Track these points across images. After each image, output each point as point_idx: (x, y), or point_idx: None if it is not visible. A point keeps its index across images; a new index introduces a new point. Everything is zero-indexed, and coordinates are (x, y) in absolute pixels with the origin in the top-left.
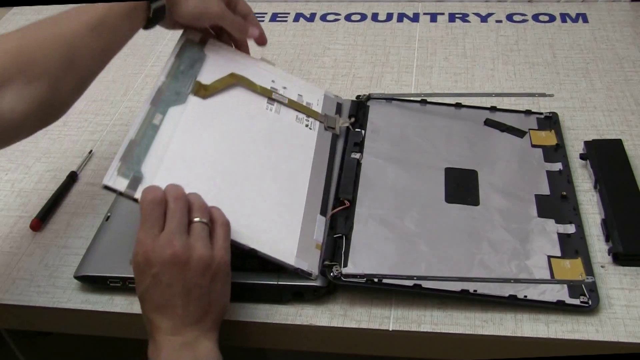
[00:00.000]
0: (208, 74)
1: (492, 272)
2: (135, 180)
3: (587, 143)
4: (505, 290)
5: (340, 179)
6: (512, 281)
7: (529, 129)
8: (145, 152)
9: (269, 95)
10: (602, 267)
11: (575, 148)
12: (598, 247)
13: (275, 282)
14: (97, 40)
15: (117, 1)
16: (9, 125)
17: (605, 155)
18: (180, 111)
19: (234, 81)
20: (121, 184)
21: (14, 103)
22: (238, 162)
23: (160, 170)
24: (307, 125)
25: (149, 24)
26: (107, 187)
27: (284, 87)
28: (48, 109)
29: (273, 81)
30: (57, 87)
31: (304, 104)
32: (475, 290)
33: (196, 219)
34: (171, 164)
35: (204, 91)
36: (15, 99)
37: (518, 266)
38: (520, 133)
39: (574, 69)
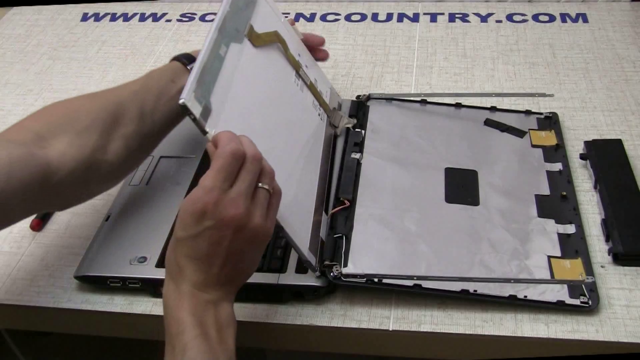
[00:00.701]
0: (257, 22)
1: (492, 272)
2: (206, 111)
3: (587, 143)
4: (505, 290)
5: (340, 179)
6: (512, 281)
7: (529, 129)
8: (214, 83)
9: (297, 68)
10: (602, 267)
11: (575, 148)
12: (598, 247)
13: (276, 282)
14: (140, 102)
15: None
16: (58, 169)
17: (605, 155)
18: (239, 51)
19: (276, 40)
20: (196, 109)
21: (65, 148)
22: (275, 129)
23: (225, 111)
24: (319, 115)
25: None
26: (183, 107)
27: (306, 66)
28: (97, 161)
29: (299, 55)
30: (105, 141)
31: (318, 90)
32: (475, 290)
33: (265, 186)
34: (233, 107)
35: (256, 39)
36: (66, 145)
37: (518, 266)
38: (520, 133)
39: (574, 69)
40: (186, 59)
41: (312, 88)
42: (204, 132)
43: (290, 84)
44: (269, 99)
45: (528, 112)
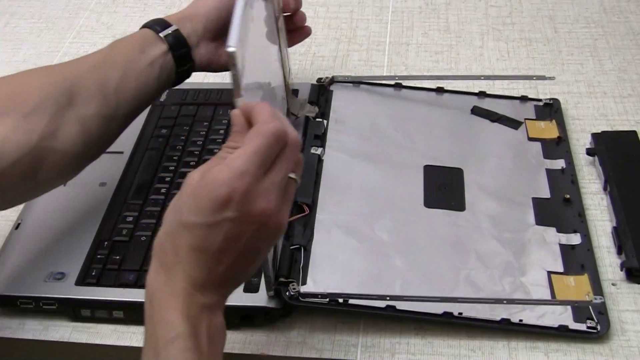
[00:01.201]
0: None
1: (480, 291)
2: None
3: (595, 135)
4: (497, 312)
5: None
6: (504, 302)
7: (525, 119)
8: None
9: (279, 33)
10: (613, 284)
11: (580, 142)
12: (608, 260)
13: None
14: (101, 78)
15: None
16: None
17: (617, 150)
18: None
19: None
20: (240, 61)
21: (7, 133)
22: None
23: (245, 73)
24: (283, 98)
25: (180, 59)
26: (231, 55)
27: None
28: (47, 149)
29: (280, 20)
30: (61, 117)
31: (288, 69)
32: (460, 313)
33: (297, 178)
34: (248, 69)
35: None
36: (8, 131)
37: (512, 284)
38: (514, 124)
39: (579, 47)
40: (159, 26)
41: (284, 65)
42: (238, 95)
43: (273, 53)
44: (262, 70)
45: (524, 99)
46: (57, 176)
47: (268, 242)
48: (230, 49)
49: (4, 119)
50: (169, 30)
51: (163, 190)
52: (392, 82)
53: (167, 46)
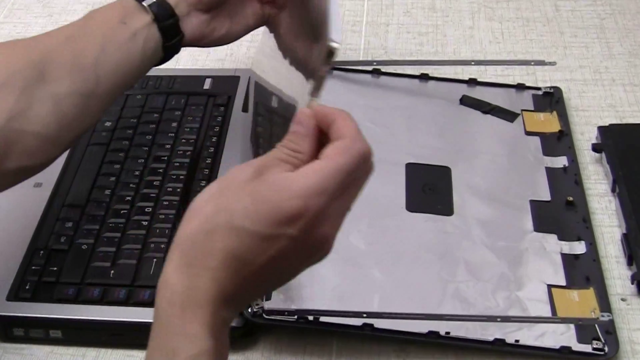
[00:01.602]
0: None
1: (471, 307)
2: None
3: (602, 129)
4: (490, 332)
5: None
6: (498, 319)
7: (522, 110)
8: None
9: None
10: (622, 300)
11: (585, 136)
12: (617, 272)
13: None
14: (76, 51)
15: None
16: None
17: (627, 145)
18: None
19: None
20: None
21: None
22: None
23: None
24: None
25: (167, 32)
26: (334, 51)
27: None
28: (16, 132)
29: None
30: (31, 95)
31: None
32: (447, 332)
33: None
34: None
35: None
36: None
37: (507, 299)
38: (509, 116)
39: (584, 27)
40: None
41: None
42: (316, 95)
43: None
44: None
45: (520, 87)
46: (28, 164)
47: (310, 265)
48: (335, 45)
49: None
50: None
51: (107, 192)
52: (370, 68)
53: (151, 16)
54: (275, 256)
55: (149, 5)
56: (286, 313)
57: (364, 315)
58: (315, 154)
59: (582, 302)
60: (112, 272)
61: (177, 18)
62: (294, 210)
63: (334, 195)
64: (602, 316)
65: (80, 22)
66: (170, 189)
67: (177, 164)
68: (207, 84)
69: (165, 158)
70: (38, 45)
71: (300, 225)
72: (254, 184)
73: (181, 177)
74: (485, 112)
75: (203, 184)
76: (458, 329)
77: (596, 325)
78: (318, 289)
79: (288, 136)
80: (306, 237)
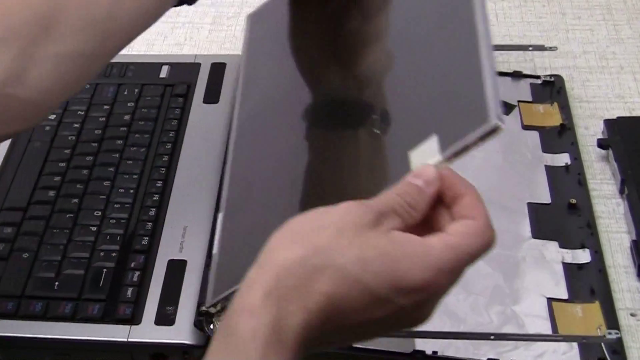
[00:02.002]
0: None
1: (461, 324)
2: None
3: (609, 123)
4: (482, 351)
5: (222, 177)
6: (492, 337)
7: (519, 102)
8: None
9: None
10: (632, 315)
11: (590, 130)
12: (626, 284)
13: (125, 340)
14: (84, 3)
15: None
16: None
17: (637, 141)
18: None
19: None
20: None
21: None
22: None
23: None
24: None
25: None
26: (497, 129)
27: None
28: (8, 96)
29: None
30: (31, 56)
31: None
32: (435, 352)
33: None
34: None
35: None
36: None
37: (502, 314)
38: (505, 107)
39: (589, 8)
40: None
41: None
42: (447, 159)
43: None
44: None
45: (517, 75)
46: (9, 131)
47: (397, 330)
48: (494, 122)
49: None
50: None
51: (51, 193)
52: None
53: None
54: (375, 318)
55: None
56: None
57: None
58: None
59: (586, 317)
60: (57, 283)
61: None
62: (421, 283)
63: (458, 275)
64: (609, 334)
65: None
66: (122, 191)
67: (130, 162)
68: (163, 72)
69: (117, 155)
70: None
71: (417, 298)
72: (376, 235)
73: (134, 176)
74: None
75: (159, 184)
76: (447, 348)
77: (602, 344)
78: None
79: (405, 187)
80: (415, 309)
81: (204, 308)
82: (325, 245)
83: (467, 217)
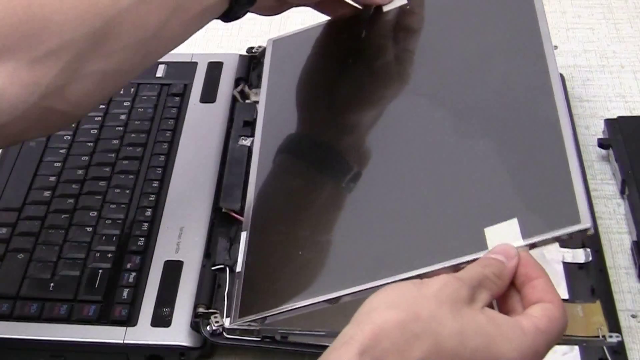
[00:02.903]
0: None
1: None
2: None
3: (609, 122)
4: None
5: (221, 179)
6: None
7: None
8: None
9: None
10: (633, 316)
11: (591, 130)
12: (627, 285)
13: (121, 341)
14: (145, 16)
15: None
16: None
17: (638, 141)
18: None
19: None
20: None
21: (5, 82)
22: None
23: None
24: None
25: (231, 11)
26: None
27: None
28: (47, 110)
29: None
30: (75, 71)
31: None
32: None
33: None
34: None
35: None
36: (7, 78)
37: None
38: None
39: (589, 6)
40: None
41: None
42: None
43: None
44: None
45: None
46: (35, 135)
47: None
48: (587, 225)
49: (5, 61)
50: None
51: (46, 194)
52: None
53: None
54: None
55: None
56: (253, 331)
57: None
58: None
59: (587, 317)
60: (52, 284)
61: None
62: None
63: (543, 357)
64: (610, 337)
65: None
66: (117, 191)
67: (126, 161)
68: (160, 71)
69: (112, 156)
70: (105, 7)
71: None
72: (474, 312)
73: (130, 177)
74: None
75: (155, 185)
76: None
77: (604, 347)
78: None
79: (490, 261)
80: None
81: (201, 310)
82: (426, 313)
83: (544, 301)
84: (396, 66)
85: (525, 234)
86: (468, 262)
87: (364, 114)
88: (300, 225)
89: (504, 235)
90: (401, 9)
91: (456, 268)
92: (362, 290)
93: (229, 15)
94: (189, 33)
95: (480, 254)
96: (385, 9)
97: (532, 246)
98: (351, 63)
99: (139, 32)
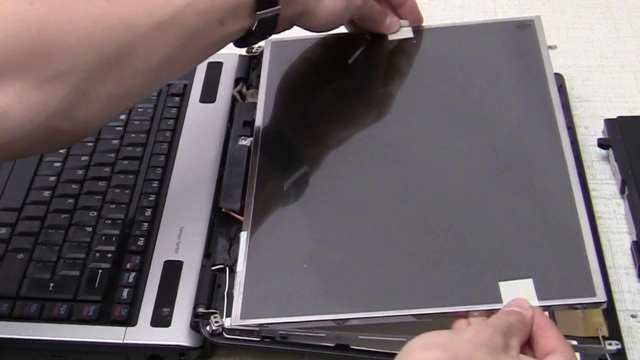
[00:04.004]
0: None
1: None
2: None
3: (609, 122)
4: None
5: (221, 179)
6: None
7: None
8: None
9: None
10: (633, 317)
11: (590, 130)
12: (627, 285)
13: (121, 341)
14: (160, 43)
15: None
16: None
17: (637, 141)
18: None
19: None
20: None
21: (10, 103)
22: None
23: None
24: None
25: (246, 39)
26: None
27: None
28: (53, 131)
29: None
30: (84, 94)
31: None
32: None
33: None
34: None
35: None
36: (14, 99)
37: None
38: None
39: (589, 6)
40: None
41: None
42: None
43: None
44: None
45: None
46: (36, 151)
47: None
48: (603, 303)
49: (14, 80)
50: (268, 12)
51: (46, 194)
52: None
53: (253, 26)
54: None
55: (260, 14)
56: (253, 331)
57: (340, 336)
58: None
59: (586, 319)
60: (52, 284)
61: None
62: None
63: None
64: (610, 344)
65: (175, 5)
66: (117, 191)
67: (126, 161)
68: None
69: (112, 155)
70: (122, 25)
71: None
72: (509, 357)
73: (130, 176)
74: None
75: (155, 185)
76: None
77: (604, 350)
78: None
79: (513, 310)
80: None
81: (200, 310)
82: (464, 355)
83: (559, 350)
84: (393, 98)
85: (540, 296)
86: (480, 312)
87: (364, 130)
88: (301, 224)
89: (519, 293)
90: (406, 40)
91: (467, 315)
92: (374, 317)
93: (244, 42)
94: (203, 59)
95: (495, 306)
96: (391, 37)
97: (546, 308)
98: (349, 78)
99: (152, 59)
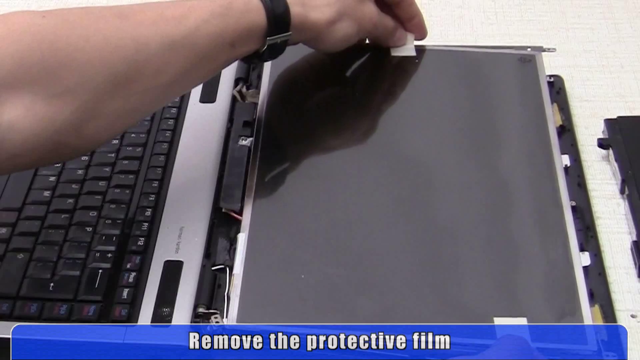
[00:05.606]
0: None
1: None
2: None
3: (609, 122)
4: None
5: (221, 179)
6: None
7: None
8: None
9: None
10: (633, 317)
11: (590, 130)
12: (627, 285)
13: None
14: (171, 63)
15: None
16: (3, 146)
17: (637, 141)
18: None
19: None
20: None
21: (18, 116)
22: None
23: None
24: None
25: (253, 59)
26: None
27: None
28: (61, 145)
29: None
30: (92, 110)
31: None
32: None
33: None
34: None
35: None
36: (22, 112)
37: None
38: None
39: (589, 6)
40: (274, 18)
41: None
42: None
43: None
44: None
45: None
46: (39, 164)
47: None
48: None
49: (23, 93)
50: (277, 38)
51: (46, 194)
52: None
53: (262, 49)
54: None
55: (270, 39)
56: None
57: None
58: None
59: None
60: (52, 284)
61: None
62: None
63: None
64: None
65: (183, 25)
66: (117, 191)
67: (126, 161)
68: None
69: (112, 156)
70: (134, 44)
71: None
72: None
73: (130, 176)
74: None
75: (155, 185)
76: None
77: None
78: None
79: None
80: None
81: (200, 310)
82: None
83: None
84: (391, 111)
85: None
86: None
87: (363, 134)
88: (300, 226)
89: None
90: (408, 58)
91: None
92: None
93: (250, 60)
94: (211, 77)
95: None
96: (393, 53)
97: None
98: (349, 82)
99: (161, 78)
